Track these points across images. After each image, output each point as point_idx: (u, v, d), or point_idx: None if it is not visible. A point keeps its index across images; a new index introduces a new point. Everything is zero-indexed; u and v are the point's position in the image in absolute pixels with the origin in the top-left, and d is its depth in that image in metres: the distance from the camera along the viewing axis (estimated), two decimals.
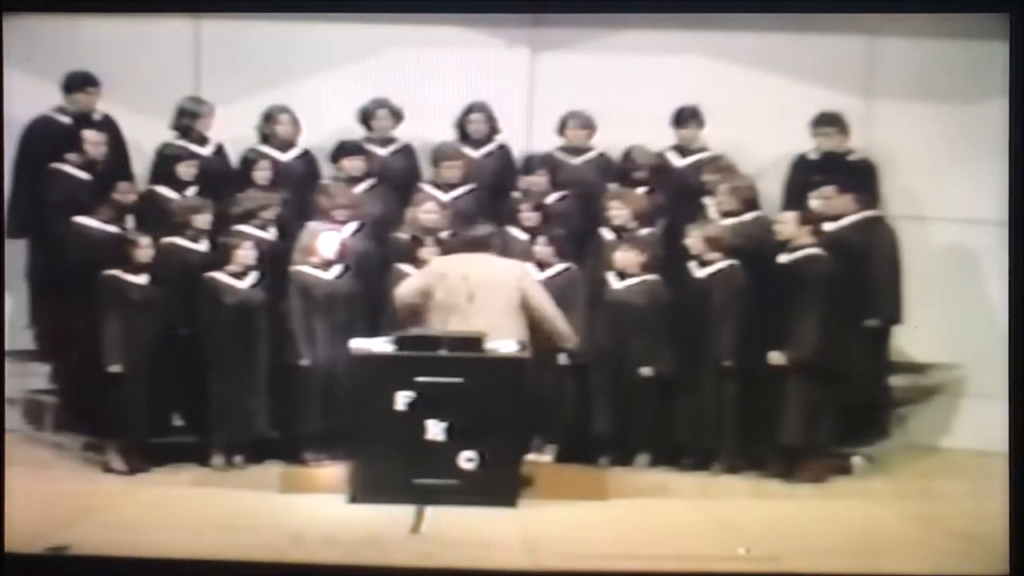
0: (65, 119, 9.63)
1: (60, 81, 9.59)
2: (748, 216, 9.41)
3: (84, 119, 9.61)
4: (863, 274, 9.25)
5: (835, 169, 9.51)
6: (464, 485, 8.43)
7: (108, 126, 9.66)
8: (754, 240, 9.28)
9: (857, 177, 9.48)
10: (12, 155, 9.42)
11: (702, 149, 9.78)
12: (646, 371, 9.13)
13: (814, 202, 9.38)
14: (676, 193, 9.67)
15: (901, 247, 9.37)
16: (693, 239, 9.18)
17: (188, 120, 9.67)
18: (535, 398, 8.81)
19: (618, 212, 9.40)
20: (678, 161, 9.82)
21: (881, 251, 9.34)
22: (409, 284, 8.98)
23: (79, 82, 9.61)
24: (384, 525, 8.15)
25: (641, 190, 9.57)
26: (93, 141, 9.52)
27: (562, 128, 9.82)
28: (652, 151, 9.69)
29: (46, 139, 9.56)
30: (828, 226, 9.28)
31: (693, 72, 9.80)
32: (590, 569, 7.77)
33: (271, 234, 9.39)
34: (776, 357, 8.96)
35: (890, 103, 9.69)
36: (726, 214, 9.40)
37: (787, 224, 9.13)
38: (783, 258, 9.11)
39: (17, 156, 9.49)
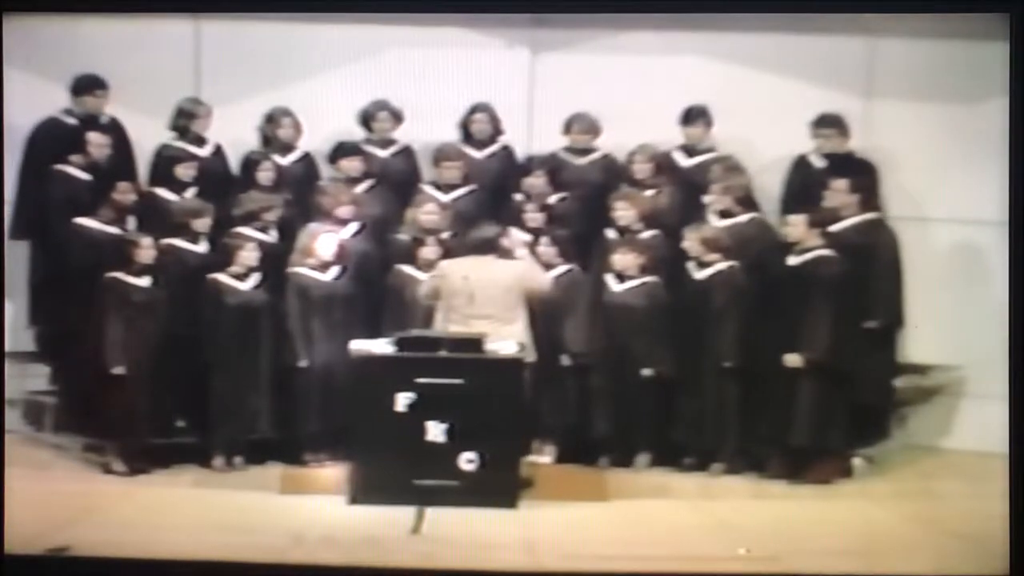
0: (72, 121, 9.62)
1: (68, 84, 9.58)
2: (744, 217, 9.41)
3: (91, 121, 9.60)
4: (865, 276, 9.23)
5: (839, 169, 9.50)
6: (464, 486, 8.43)
7: (114, 128, 9.65)
8: (752, 241, 9.28)
9: (860, 178, 9.47)
10: (13, 156, 9.41)
11: (710, 149, 9.77)
12: (646, 372, 9.13)
13: (824, 198, 9.37)
14: (683, 193, 9.66)
15: (902, 250, 9.36)
16: (690, 241, 9.17)
17: (185, 120, 9.67)
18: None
19: (624, 213, 9.38)
20: (684, 161, 9.81)
21: (883, 254, 9.33)
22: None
23: (87, 85, 9.59)
24: (384, 526, 8.15)
25: (650, 192, 9.56)
26: (97, 143, 9.51)
27: (567, 130, 9.80)
28: (658, 149, 9.68)
29: (52, 141, 9.54)
30: (832, 227, 9.26)
31: (694, 72, 9.80)
32: (590, 570, 7.77)
33: (272, 236, 9.38)
34: (792, 359, 8.95)
35: (890, 104, 9.69)
36: (722, 215, 9.39)
37: (797, 227, 9.11)
38: (792, 260, 9.10)
39: (23, 158, 9.49)
